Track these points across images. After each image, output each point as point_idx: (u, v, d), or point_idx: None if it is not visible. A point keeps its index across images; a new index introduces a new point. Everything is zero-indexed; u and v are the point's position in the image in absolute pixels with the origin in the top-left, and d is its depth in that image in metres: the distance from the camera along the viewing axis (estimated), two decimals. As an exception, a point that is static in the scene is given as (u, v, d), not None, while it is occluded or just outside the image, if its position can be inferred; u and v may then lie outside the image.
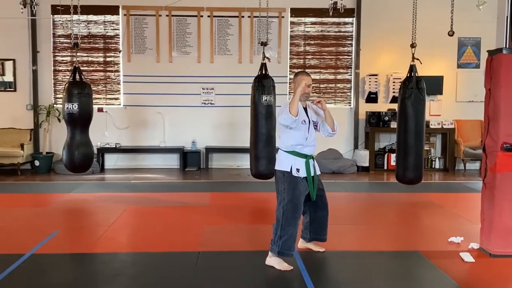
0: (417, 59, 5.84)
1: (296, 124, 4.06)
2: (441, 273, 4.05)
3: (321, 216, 4.43)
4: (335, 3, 6.18)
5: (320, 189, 4.36)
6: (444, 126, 9.67)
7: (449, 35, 5.45)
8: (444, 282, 3.89)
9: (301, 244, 4.59)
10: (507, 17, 4.39)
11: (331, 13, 6.89)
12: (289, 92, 9.61)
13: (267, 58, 6.45)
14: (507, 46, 4.39)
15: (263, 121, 6.26)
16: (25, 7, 5.90)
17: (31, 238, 4.90)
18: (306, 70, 9.70)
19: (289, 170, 4.11)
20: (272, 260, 4.14)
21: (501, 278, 3.97)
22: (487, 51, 4.44)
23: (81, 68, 6.94)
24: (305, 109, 4.25)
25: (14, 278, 3.89)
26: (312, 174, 4.20)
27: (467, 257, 4.39)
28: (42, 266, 4.23)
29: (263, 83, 6.28)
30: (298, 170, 4.12)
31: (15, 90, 9.63)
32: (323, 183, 4.47)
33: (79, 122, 6.62)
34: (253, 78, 6.36)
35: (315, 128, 4.32)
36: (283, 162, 4.17)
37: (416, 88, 5.95)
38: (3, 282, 3.79)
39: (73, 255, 4.55)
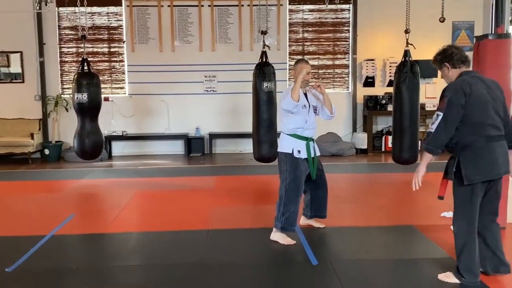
0: (411, 44, 6.11)
1: (298, 109, 4.38)
2: (432, 244, 4.39)
3: (321, 194, 4.77)
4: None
5: (319, 170, 4.69)
6: (440, 108, 9.94)
7: (440, 21, 5.73)
8: (435, 252, 4.23)
9: (302, 221, 4.92)
10: (492, 4, 4.66)
11: (327, 5, 7.15)
12: (289, 78, 9.89)
13: (267, 46, 6.70)
14: (493, 32, 4.67)
15: (264, 107, 6.53)
16: (41, 5, 6.14)
17: (50, 221, 5.24)
18: (305, 57, 10.01)
19: (291, 152, 4.44)
20: (276, 235, 4.48)
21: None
22: (475, 37, 4.72)
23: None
24: (305, 94, 4.57)
25: (40, 256, 4.24)
26: (312, 155, 4.52)
27: (457, 230, 4.72)
28: (64, 245, 4.59)
29: (264, 70, 6.54)
30: (299, 151, 4.44)
31: (23, 82, 9.92)
32: (322, 164, 4.79)
33: (89, 111, 6.87)
34: (254, 65, 6.62)
35: (314, 112, 4.64)
36: (285, 145, 4.49)
37: (411, 72, 6.22)
38: (31, 260, 4.14)
39: (91, 235, 4.89)
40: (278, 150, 4.58)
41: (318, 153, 4.64)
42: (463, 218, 3.49)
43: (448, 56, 3.52)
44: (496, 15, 4.66)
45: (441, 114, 3.35)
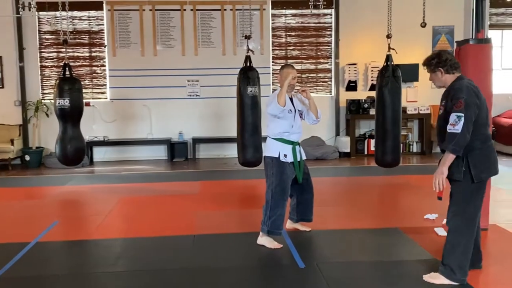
0: (393, 49, 6.19)
1: (284, 113, 4.41)
2: (417, 246, 4.45)
3: (307, 198, 4.80)
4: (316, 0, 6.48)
5: (305, 173, 4.72)
6: (421, 112, 10.10)
7: (421, 26, 5.81)
8: (419, 254, 4.28)
9: (289, 224, 4.94)
10: (472, 9, 4.75)
11: (311, 11, 7.20)
12: (273, 83, 9.92)
13: (251, 50, 6.72)
14: (474, 37, 4.76)
15: (249, 111, 6.53)
16: (23, 9, 6.08)
17: (33, 228, 5.16)
18: (288, 61, 10.07)
19: (277, 156, 4.46)
20: (263, 240, 4.49)
21: (471, 249, 4.37)
22: (456, 41, 4.81)
23: (68, 64, 7.14)
24: (291, 99, 4.60)
25: (25, 263, 4.17)
26: (298, 159, 4.55)
27: (441, 232, 4.79)
28: (48, 252, 4.53)
29: (248, 75, 6.53)
30: (285, 155, 4.47)
31: (2, 87, 9.77)
32: (308, 168, 4.83)
33: (70, 116, 6.80)
34: (237, 69, 6.62)
35: (300, 117, 4.67)
36: (272, 149, 4.52)
37: (392, 77, 6.28)
38: (15, 267, 4.07)
39: (76, 241, 4.83)
40: (265, 154, 4.60)
41: (304, 157, 4.67)
42: (463, 216, 3.55)
43: (443, 62, 3.60)
44: (476, 20, 4.76)
45: (462, 115, 3.39)
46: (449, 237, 3.59)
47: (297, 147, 4.56)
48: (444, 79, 3.63)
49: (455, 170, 3.52)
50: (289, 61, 10.10)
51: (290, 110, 4.49)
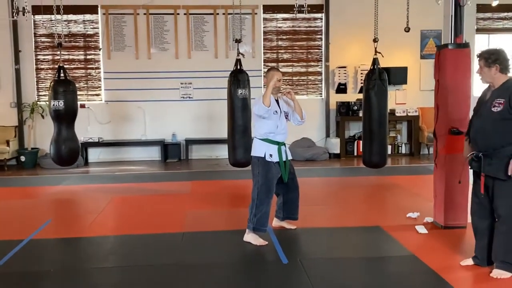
0: (379, 53, 6.36)
1: (269, 114, 4.58)
2: (397, 243, 4.62)
3: (292, 197, 4.96)
4: (301, 6, 6.66)
5: (291, 173, 4.88)
6: (409, 114, 10.29)
7: (405, 31, 5.98)
8: (399, 251, 4.46)
9: (275, 223, 5.11)
10: (451, 16, 4.94)
11: (296, 15, 7.38)
12: (264, 85, 10.06)
13: (242, 54, 6.88)
14: (452, 42, 4.95)
15: (239, 113, 6.69)
16: (18, 14, 6.24)
17: (27, 226, 5.32)
18: (279, 64, 10.27)
19: (263, 156, 4.63)
20: (249, 237, 4.66)
21: (449, 245, 4.53)
22: (436, 46, 4.99)
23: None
24: (277, 100, 4.77)
25: (18, 259, 4.33)
26: (284, 159, 4.72)
27: (421, 230, 4.98)
28: (42, 248, 4.69)
29: (238, 77, 6.71)
30: (271, 155, 4.64)
31: (-2, 89, 9.93)
32: (295, 169, 4.99)
33: (65, 118, 6.94)
34: (229, 72, 6.81)
35: (286, 118, 4.84)
36: (258, 149, 4.69)
37: (379, 80, 6.44)
38: (9, 263, 4.23)
39: (69, 239, 4.99)
40: (252, 154, 4.77)
41: (290, 157, 4.84)
42: None
43: (502, 59, 3.72)
44: (455, 26, 4.94)
45: None
46: (507, 236, 3.71)
47: (282, 147, 4.72)
48: (496, 76, 3.74)
49: (502, 169, 3.63)
50: (280, 64, 10.31)
51: (276, 111, 4.66)
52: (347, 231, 5.12)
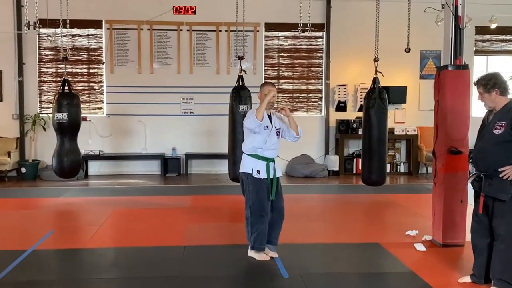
0: (380, 72, 6.50)
1: (260, 129, 4.47)
2: (396, 260, 4.68)
3: (276, 218, 4.68)
4: (305, 25, 6.80)
5: (278, 193, 4.63)
6: (408, 133, 10.39)
7: (405, 51, 6.11)
8: (398, 267, 4.52)
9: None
10: (451, 38, 5.06)
11: (299, 34, 7.52)
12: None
13: (244, 71, 7.00)
14: (452, 63, 5.06)
15: (240, 128, 6.75)
16: (28, 28, 6.37)
17: (30, 237, 5.37)
18: (280, 81, 10.40)
19: (250, 172, 4.54)
20: (252, 252, 4.66)
21: (447, 263, 4.59)
22: (436, 67, 5.10)
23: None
24: (269, 116, 4.65)
25: (22, 269, 4.37)
26: (272, 176, 4.57)
27: (420, 247, 5.04)
28: (45, 259, 4.74)
29: (240, 94, 6.83)
30: (258, 171, 4.52)
31: (1, 100, 10.01)
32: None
33: (68, 130, 7.05)
34: (230, 88, 6.92)
35: (278, 135, 4.68)
36: (245, 165, 4.60)
37: (379, 98, 6.58)
38: (12, 273, 4.27)
39: (71, 250, 5.03)
40: (240, 170, 4.67)
41: (279, 174, 4.67)
42: None
43: (499, 83, 3.83)
44: (455, 48, 5.05)
45: None
46: (505, 254, 3.77)
47: (271, 163, 4.59)
48: (497, 100, 3.84)
49: (502, 190, 3.72)
50: (281, 81, 10.44)
51: (267, 127, 4.54)
52: (347, 247, 5.17)
